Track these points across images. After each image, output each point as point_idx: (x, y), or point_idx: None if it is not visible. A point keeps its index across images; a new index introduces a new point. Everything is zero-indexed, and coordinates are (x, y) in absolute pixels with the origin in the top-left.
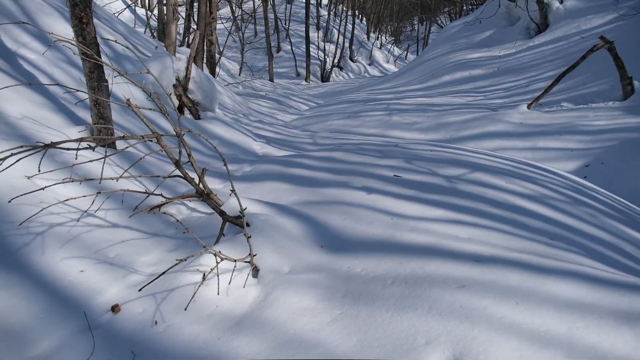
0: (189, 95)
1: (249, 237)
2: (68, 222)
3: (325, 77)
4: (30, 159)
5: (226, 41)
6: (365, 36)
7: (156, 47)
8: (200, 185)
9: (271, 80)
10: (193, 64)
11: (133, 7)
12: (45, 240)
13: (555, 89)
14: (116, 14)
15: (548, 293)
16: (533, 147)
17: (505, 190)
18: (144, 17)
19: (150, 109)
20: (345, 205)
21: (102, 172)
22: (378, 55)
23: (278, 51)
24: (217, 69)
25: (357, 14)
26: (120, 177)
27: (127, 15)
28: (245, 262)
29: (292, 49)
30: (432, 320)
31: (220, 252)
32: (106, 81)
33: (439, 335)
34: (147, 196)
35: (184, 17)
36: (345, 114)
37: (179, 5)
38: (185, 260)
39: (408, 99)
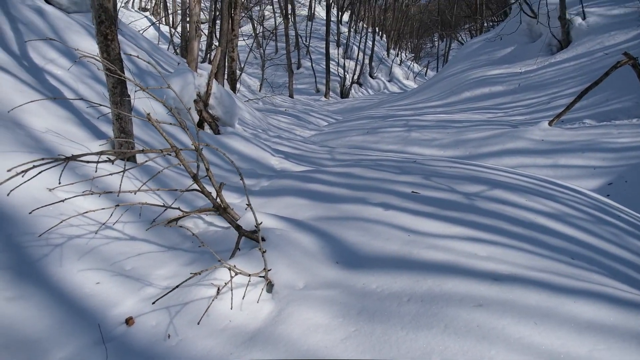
0: (210, 111)
1: (264, 252)
2: (86, 234)
3: (344, 94)
4: (52, 172)
5: (247, 57)
6: (385, 53)
7: (178, 64)
8: (218, 200)
9: (291, 96)
10: (214, 80)
11: (157, 24)
12: (63, 251)
13: (577, 106)
14: (141, 31)
15: (568, 314)
16: (554, 164)
17: (525, 208)
18: (168, 35)
19: (171, 124)
20: (362, 221)
21: (120, 185)
22: (398, 71)
23: (298, 67)
24: (238, 85)
25: (377, 30)
26: (139, 190)
27: (151, 33)
28: (260, 276)
29: (312, 65)
30: (448, 340)
31: (235, 266)
32: (128, 96)
33: (455, 355)
34: (165, 209)
35: (206, 34)
36: (364, 130)
37: (202, 23)
38: (200, 274)
39: (427, 116)
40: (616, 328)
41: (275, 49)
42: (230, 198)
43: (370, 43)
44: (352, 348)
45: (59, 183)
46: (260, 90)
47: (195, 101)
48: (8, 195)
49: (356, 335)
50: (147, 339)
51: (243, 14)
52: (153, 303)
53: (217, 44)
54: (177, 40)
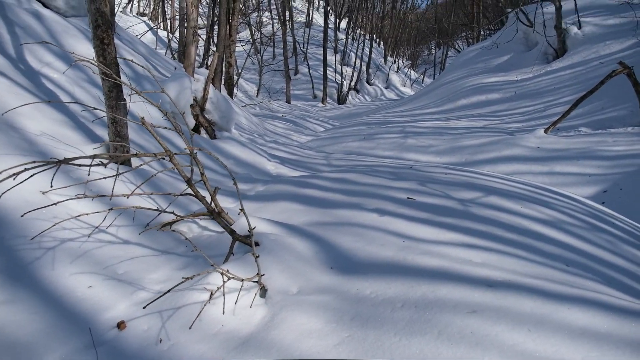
0: (206, 115)
1: (257, 257)
2: (79, 238)
3: (341, 100)
4: (45, 175)
5: (244, 63)
6: (383, 60)
7: (175, 68)
8: (212, 204)
9: (288, 102)
10: (211, 85)
11: (155, 29)
12: (55, 255)
13: (573, 114)
14: (139, 36)
15: (562, 320)
16: (550, 171)
17: (520, 215)
18: (166, 40)
19: (166, 128)
20: (357, 226)
21: (112, 189)
22: (395, 78)
23: (296, 74)
24: (235, 90)
25: (374, 38)
26: (132, 194)
27: (149, 37)
28: (253, 281)
29: (309, 71)
30: (442, 346)
31: (227, 271)
32: (124, 100)
33: None
34: (159, 214)
35: (204, 39)
36: (360, 136)
37: (200, 28)
38: (192, 278)
39: (424, 122)
40: (610, 335)
41: (273, 54)
42: (226, 202)
43: (368, 50)
44: (345, 354)
45: (51, 186)
46: (257, 96)
47: (191, 106)
48: (0, 197)
49: (349, 341)
50: (139, 343)
51: (241, 20)
52: (144, 307)
53: (214, 49)
54: (174, 45)
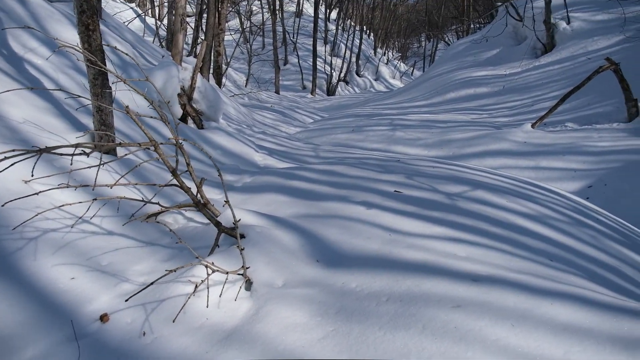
0: (194, 105)
1: (242, 249)
2: (62, 228)
3: (331, 91)
4: (28, 163)
5: (233, 52)
6: (372, 51)
7: (163, 56)
8: (198, 195)
9: (277, 92)
10: (199, 74)
11: (143, 16)
12: (38, 245)
13: (560, 109)
14: (126, 23)
15: (545, 315)
16: (536, 166)
17: (506, 209)
18: (154, 27)
19: (151, 117)
20: (343, 219)
21: (95, 179)
22: (384, 70)
23: (285, 64)
24: (224, 80)
25: (364, 29)
26: (115, 184)
27: (136, 24)
28: (238, 274)
29: (299, 62)
30: (426, 340)
31: (212, 263)
32: (109, 88)
33: (432, 356)
34: (144, 204)
35: (193, 27)
36: (349, 128)
37: (189, 16)
38: (175, 271)
39: (413, 115)
40: (591, 330)
41: (262, 44)
42: (212, 194)
43: (358, 41)
44: (329, 348)
45: (32, 175)
46: (246, 86)
47: (179, 95)
48: None
49: (334, 335)
50: (122, 336)
51: (230, 9)
52: (126, 300)
53: (203, 38)
54: (162, 32)
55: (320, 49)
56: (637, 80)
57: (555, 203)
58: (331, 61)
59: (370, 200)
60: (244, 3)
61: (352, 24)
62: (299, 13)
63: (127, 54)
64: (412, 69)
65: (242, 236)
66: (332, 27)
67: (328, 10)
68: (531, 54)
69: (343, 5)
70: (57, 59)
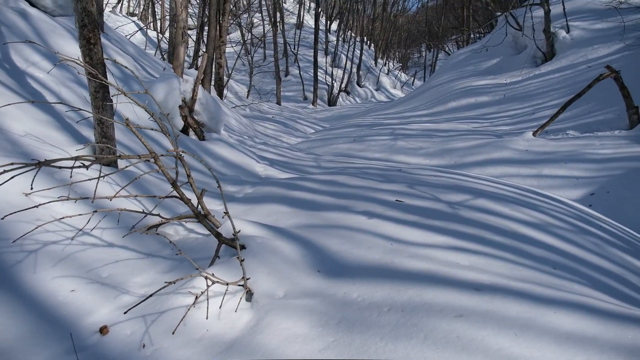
0: (195, 117)
1: (242, 261)
2: (62, 241)
3: (332, 102)
4: (29, 176)
5: (235, 64)
6: (373, 62)
7: (164, 69)
8: (198, 207)
9: (278, 103)
10: (200, 86)
11: (145, 29)
12: (38, 258)
13: (561, 117)
14: (128, 36)
15: (548, 324)
16: (538, 174)
17: (508, 218)
18: (155, 40)
19: (152, 129)
20: (345, 229)
21: (95, 191)
22: (385, 80)
23: (286, 75)
24: (225, 91)
25: (365, 40)
26: (115, 196)
27: (139, 38)
28: (239, 285)
29: (300, 73)
30: (427, 351)
31: (213, 274)
32: (111, 101)
33: None
34: (145, 216)
35: (194, 40)
36: (350, 138)
37: (190, 29)
38: (175, 282)
39: (414, 124)
40: (595, 339)
41: (263, 56)
42: (213, 205)
43: (358, 52)
44: (331, 359)
45: (31, 188)
46: (247, 97)
47: (180, 107)
48: None
49: (335, 345)
50: (121, 348)
51: (232, 21)
52: (125, 313)
53: (204, 50)
54: (164, 45)
55: (321, 60)
56: (638, 88)
57: (558, 211)
58: (332, 72)
59: (371, 209)
60: (245, 15)
61: (353, 35)
62: (299, 25)
63: (126, 67)
64: (412, 78)
65: (243, 247)
66: (332, 38)
67: (328, 22)
68: (531, 63)
69: (343, 16)
70: (58, 72)
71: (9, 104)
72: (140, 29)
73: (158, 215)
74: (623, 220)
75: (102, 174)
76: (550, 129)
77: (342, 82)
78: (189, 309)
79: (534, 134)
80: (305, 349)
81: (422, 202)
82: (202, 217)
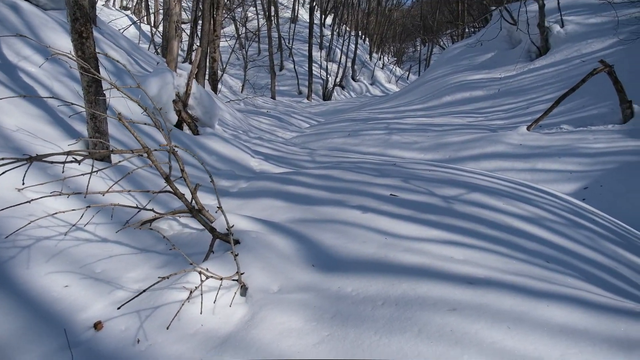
0: (189, 111)
1: (236, 255)
2: (56, 236)
3: (327, 96)
4: (22, 172)
5: (229, 58)
6: (368, 56)
7: (158, 63)
8: (193, 202)
9: (273, 97)
10: (194, 81)
11: (138, 23)
12: (31, 253)
13: (555, 112)
14: (121, 30)
15: (541, 317)
16: (532, 168)
17: (502, 212)
18: (149, 34)
19: (145, 124)
20: (339, 223)
21: (87, 186)
22: (380, 75)
23: (281, 69)
24: (220, 86)
25: (360, 34)
26: (107, 191)
27: (132, 32)
28: (233, 280)
29: (294, 67)
30: (421, 344)
31: (207, 269)
32: (103, 95)
33: None
34: (139, 211)
35: (188, 34)
36: (345, 133)
37: (184, 23)
38: (168, 278)
39: (408, 119)
40: (588, 332)
41: (258, 50)
42: (208, 199)
43: (353, 46)
44: (325, 353)
45: (23, 184)
46: (242, 92)
47: (174, 101)
48: None
49: (329, 339)
50: (116, 343)
51: (226, 15)
52: (118, 308)
53: (198, 44)
54: (158, 39)
55: (316, 54)
56: (631, 82)
57: (551, 205)
58: (327, 66)
59: (366, 204)
60: (239, 9)
61: (348, 29)
62: (294, 19)
63: (118, 62)
64: (407, 73)
65: (237, 242)
66: (327, 32)
67: (323, 16)
68: (526, 57)
69: (338, 10)
70: (51, 66)
71: (1, 99)
72: (134, 22)
73: (152, 210)
74: (616, 214)
75: (95, 169)
76: (544, 123)
77: (336, 77)
78: (183, 304)
79: (528, 128)
80: (300, 343)
81: (417, 197)
82: (196, 212)
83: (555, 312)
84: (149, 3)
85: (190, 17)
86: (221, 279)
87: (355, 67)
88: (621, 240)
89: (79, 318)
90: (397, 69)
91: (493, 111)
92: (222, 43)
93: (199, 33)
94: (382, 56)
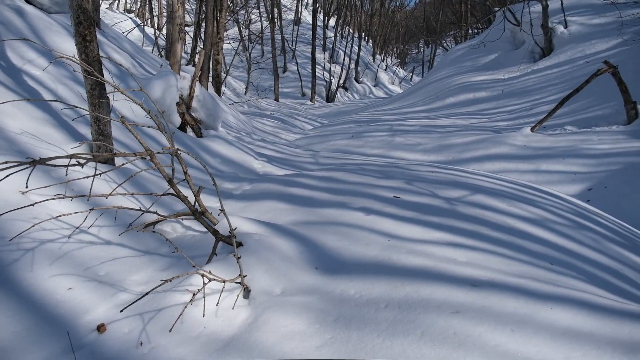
0: (192, 114)
1: (239, 258)
2: (59, 239)
3: (330, 98)
4: (26, 174)
5: (232, 60)
6: (371, 58)
7: (161, 66)
8: (196, 204)
9: (277, 99)
10: (197, 83)
11: (142, 26)
12: (35, 256)
13: (559, 113)
14: (125, 33)
15: (545, 320)
16: (536, 170)
17: (506, 213)
18: (153, 37)
19: (148, 126)
20: (342, 226)
21: (90, 189)
22: (383, 76)
23: (284, 71)
24: (223, 88)
25: (363, 36)
26: (111, 194)
27: (136, 35)
28: (236, 282)
29: (298, 69)
30: (424, 347)
31: (210, 272)
32: (107, 98)
33: None
34: (142, 214)
35: (192, 37)
36: (348, 134)
37: (188, 26)
38: (171, 280)
39: (412, 120)
40: (592, 335)
41: (261, 52)
42: (211, 202)
43: (356, 48)
44: (328, 356)
45: (27, 186)
46: (245, 94)
47: (178, 104)
48: None
49: (332, 342)
50: (119, 346)
51: (229, 17)
52: (121, 311)
53: (202, 46)
54: (162, 42)
55: (319, 56)
56: (636, 83)
57: (555, 206)
58: (330, 68)
59: (369, 206)
60: (243, 12)
61: (351, 30)
62: (297, 21)
63: (121, 65)
64: (411, 74)
65: (240, 244)
66: (330, 34)
67: (326, 18)
68: (529, 58)
69: (341, 12)
70: (55, 70)
71: (5, 102)
72: (137, 25)
73: (155, 212)
74: (621, 216)
75: (98, 172)
76: (548, 124)
77: (340, 78)
78: (186, 307)
79: (532, 130)
80: (303, 345)
81: (420, 198)
82: (199, 214)
83: (559, 314)
84: (153, 6)
85: (193, 19)
86: (224, 281)
87: (359, 68)
88: (626, 241)
89: (82, 320)
90: (401, 70)
91: (497, 112)
92: (226, 45)
93: (202, 35)
94: (385, 58)
